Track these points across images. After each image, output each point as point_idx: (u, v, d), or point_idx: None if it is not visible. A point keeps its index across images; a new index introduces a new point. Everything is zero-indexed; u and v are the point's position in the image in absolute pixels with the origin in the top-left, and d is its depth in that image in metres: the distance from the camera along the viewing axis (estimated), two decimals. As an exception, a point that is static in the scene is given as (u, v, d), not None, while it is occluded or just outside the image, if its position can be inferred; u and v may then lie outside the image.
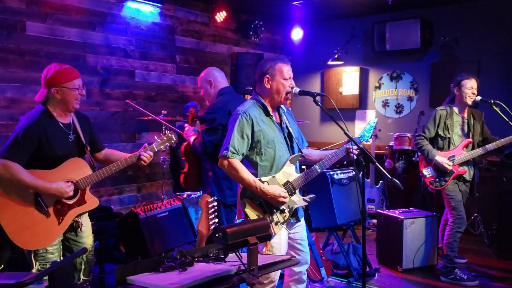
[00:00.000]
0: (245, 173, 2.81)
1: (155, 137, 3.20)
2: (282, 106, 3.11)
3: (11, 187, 2.73)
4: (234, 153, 2.83)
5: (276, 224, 2.86)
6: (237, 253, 1.90)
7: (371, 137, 3.29)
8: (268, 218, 2.83)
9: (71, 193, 2.85)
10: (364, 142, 3.25)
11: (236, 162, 2.83)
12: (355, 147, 2.96)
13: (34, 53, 4.66)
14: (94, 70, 5.19)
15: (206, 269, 1.96)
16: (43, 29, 4.74)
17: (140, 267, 1.98)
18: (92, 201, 3.00)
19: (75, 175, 2.90)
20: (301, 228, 3.09)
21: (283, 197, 2.83)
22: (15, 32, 4.53)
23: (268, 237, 1.98)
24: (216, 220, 2.56)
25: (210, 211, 2.50)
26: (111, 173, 2.99)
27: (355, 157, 3.00)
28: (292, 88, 2.98)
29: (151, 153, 3.11)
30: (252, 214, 2.80)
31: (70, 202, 2.89)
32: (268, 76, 2.93)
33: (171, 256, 2.06)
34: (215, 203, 2.58)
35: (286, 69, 2.95)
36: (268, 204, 2.85)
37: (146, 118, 4.96)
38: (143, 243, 3.79)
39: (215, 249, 2.14)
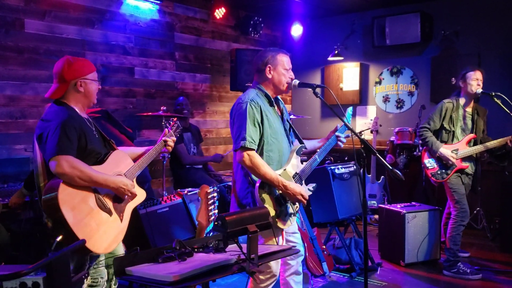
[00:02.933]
0: (268, 168, 2.75)
1: (166, 124, 3.21)
2: (280, 99, 3.12)
3: (74, 188, 2.48)
4: (251, 142, 2.74)
5: (291, 216, 2.88)
6: (236, 242, 1.88)
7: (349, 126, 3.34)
8: (284, 211, 2.84)
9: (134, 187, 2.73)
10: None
11: (257, 157, 2.76)
12: (342, 135, 3.10)
13: (32, 50, 4.65)
14: (93, 67, 5.18)
15: (206, 259, 1.94)
16: (42, 27, 4.72)
17: (139, 258, 1.96)
18: (141, 193, 2.88)
19: (121, 168, 2.76)
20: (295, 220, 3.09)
21: (304, 198, 2.84)
22: (14, 30, 4.52)
23: (268, 225, 1.96)
24: (216, 211, 2.54)
25: (210, 202, 2.49)
26: (149, 162, 2.93)
27: (341, 145, 3.12)
28: (292, 79, 2.97)
29: (174, 138, 3.11)
30: (270, 209, 2.76)
31: (123, 194, 2.74)
32: (270, 65, 2.93)
33: (170, 246, 2.05)
34: (215, 194, 2.56)
35: (286, 60, 2.97)
36: (284, 198, 2.85)
37: (145, 114, 4.96)
38: (144, 238, 3.77)
39: (215, 239, 2.12)
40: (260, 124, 2.81)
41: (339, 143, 3.13)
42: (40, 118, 2.67)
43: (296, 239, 3.09)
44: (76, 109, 2.71)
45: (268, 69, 2.93)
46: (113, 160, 2.73)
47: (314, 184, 3.02)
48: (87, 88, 2.71)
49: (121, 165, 2.78)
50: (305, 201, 2.86)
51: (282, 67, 2.93)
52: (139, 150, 3.06)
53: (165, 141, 3.06)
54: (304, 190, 2.88)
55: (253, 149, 2.75)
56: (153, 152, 2.98)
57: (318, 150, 3.10)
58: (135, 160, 2.94)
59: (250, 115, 2.76)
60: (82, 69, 2.70)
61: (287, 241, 3.04)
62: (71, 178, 2.45)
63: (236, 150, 2.79)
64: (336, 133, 3.13)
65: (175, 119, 3.25)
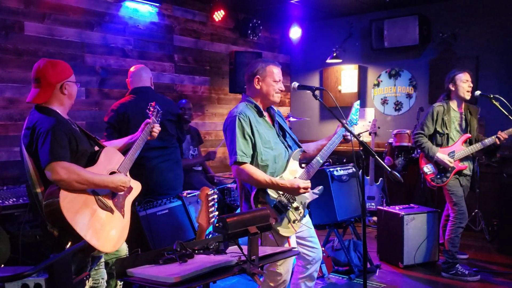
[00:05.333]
0: (260, 174, 2.78)
1: (147, 111, 3.19)
2: (274, 107, 3.13)
3: (73, 192, 2.48)
4: (243, 155, 2.78)
5: (294, 222, 2.84)
6: (237, 243, 1.89)
7: (357, 121, 3.23)
8: (285, 218, 2.81)
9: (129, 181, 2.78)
10: (355, 126, 3.22)
11: (249, 167, 2.79)
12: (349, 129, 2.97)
13: (32, 53, 4.66)
14: (92, 70, 5.19)
15: (206, 260, 1.95)
16: (41, 29, 4.73)
17: (140, 260, 1.97)
18: (136, 185, 2.90)
19: (114, 164, 2.79)
20: (307, 225, 3.07)
21: (306, 184, 2.78)
22: (13, 32, 4.53)
23: (269, 227, 1.97)
24: (217, 213, 2.55)
25: (210, 204, 2.50)
26: (138, 153, 2.95)
27: (350, 138, 2.97)
28: (281, 90, 2.99)
29: (157, 124, 3.13)
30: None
31: (122, 192, 2.78)
32: (258, 76, 2.94)
33: (171, 248, 2.06)
34: (215, 196, 2.57)
35: (277, 72, 2.96)
36: (282, 205, 2.83)
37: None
38: (144, 241, 3.78)
39: (216, 241, 2.13)
40: (251, 136, 2.83)
41: (348, 137, 3.01)
42: (25, 127, 2.63)
43: (314, 244, 3.06)
44: (59, 112, 2.70)
45: (256, 80, 2.94)
46: (105, 158, 2.74)
47: (320, 187, 2.99)
48: (71, 90, 2.73)
49: (113, 161, 2.80)
50: (308, 188, 2.81)
51: (271, 79, 2.93)
52: (120, 142, 3.10)
53: (150, 129, 3.07)
54: (301, 181, 2.82)
55: (245, 162, 2.79)
56: (140, 142, 2.99)
57: (320, 151, 3.03)
58: (120, 151, 2.97)
59: (239, 128, 2.80)
60: (65, 71, 2.71)
61: (305, 246, 3.02)
62: (69, 183, 2.44)
63: (232, 165, 2.83)
64: (339, 131, 3.03)
65: (153, 103, 3.20)
